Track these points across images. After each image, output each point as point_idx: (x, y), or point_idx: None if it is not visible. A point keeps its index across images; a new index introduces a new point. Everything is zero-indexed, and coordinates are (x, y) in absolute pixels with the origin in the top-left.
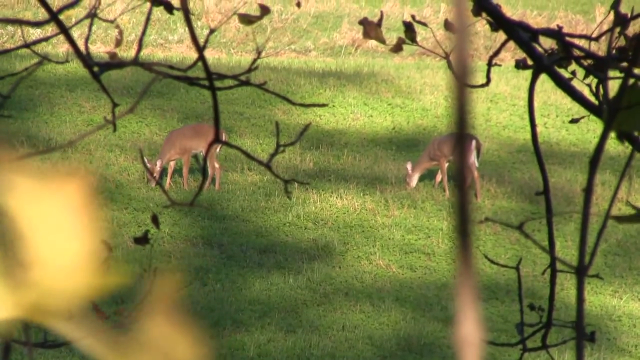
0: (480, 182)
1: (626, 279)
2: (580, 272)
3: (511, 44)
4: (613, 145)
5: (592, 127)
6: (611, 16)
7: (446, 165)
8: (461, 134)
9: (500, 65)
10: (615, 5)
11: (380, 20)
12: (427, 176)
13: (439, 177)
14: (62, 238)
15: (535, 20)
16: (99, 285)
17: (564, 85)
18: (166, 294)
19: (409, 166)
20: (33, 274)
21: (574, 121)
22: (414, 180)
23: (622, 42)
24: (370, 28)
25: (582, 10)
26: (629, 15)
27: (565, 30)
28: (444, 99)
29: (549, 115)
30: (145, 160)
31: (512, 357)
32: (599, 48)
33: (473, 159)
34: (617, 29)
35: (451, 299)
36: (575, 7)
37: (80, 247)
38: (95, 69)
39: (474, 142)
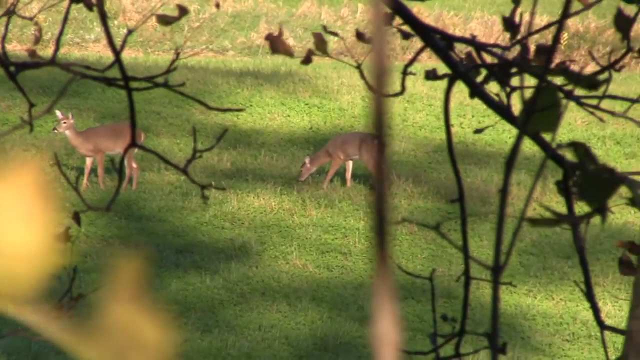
0: (396, 182)
1: (540, 278)
2: (496, 272)
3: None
4: (528, 145)
5: (508, 127)
6: (525, 19)
7: (340, 163)
8: (380, 137)
9: (415, 74)
10: (513, 14)
11: (281, 32)
12: (344, 176)
13: (349, 175)
14: (16, 225)
15: (452, 20)
16: (52, 270)
17: (479, 92)
18: (129, 280)
19: (307, 160)
20: None
21: (478, 131)
22: (307, 175)
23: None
24: (278, 43)
25: (498, 11)
26: (544, 22)
27: (482, 31)
28: (361, 99)
29: (464, 116)
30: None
31: None
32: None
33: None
34: (530, 37)
35: (367, 299)
36: (492, 8)
37: (34, 233)
38: (12, 68)
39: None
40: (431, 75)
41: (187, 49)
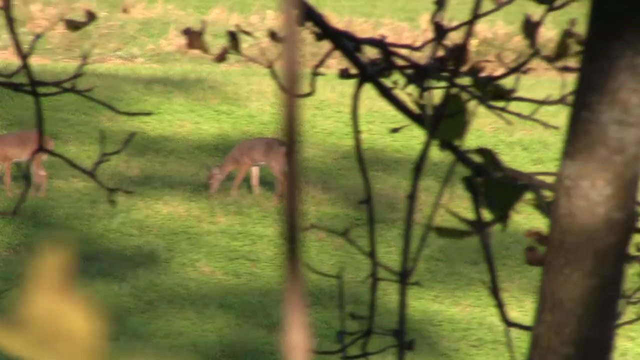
0: (305, 188)
1: (448, 284)
2: (403, 278)
3: (337, 52)
4: (436, 151)
5: (416, 133)
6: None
7: (247, 169)
8: (291, 142)
9: (325, 75)
10: (435, 16)
11: (203, 29)
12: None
13: (255, 181)
14: None
15: (361, 27)
16: None
17: (388, 95)
18: (55, 271)
19: (216, 170)
20: None
21: (395, 130)
22: (217, 185)
23: (442, 52)
24: (194, 38)
25: (407, 18)
26: (453, 25)
27: (391, 37)
28: (270, 106)
29: (373, 122)
30: None
31: None
32: (423, 56)
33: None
34: (439, 39)
35: (275, 305)
36: (401, 15)
37: None
38: None
39: (283, 148)
40: (345, 74)
41: (96, 55)
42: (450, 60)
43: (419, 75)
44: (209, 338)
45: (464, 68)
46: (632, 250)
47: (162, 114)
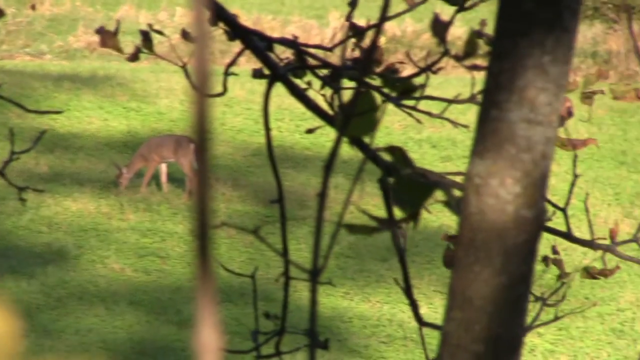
0: (215, 185)
1: (357, 280)
2: (314, 276)
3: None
4: (346, 149)
5: (326, 131)
6: (346, 24)
7: (155, 166)
8: (201, 140)
9: (237, 75)
10: (349, 16)
11: (117, 29)
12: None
13: (164, 178)
14: None
15: (270, 24)
16: None
17: (299, 94)
18: None
19: (124, 169)
20: None
21: (309, 131)
22: (127, 183)
23: (357, 53)
24: (107, 37)
25: (316, 15)
26: (365, 25)
27: (300, 34)
28: (179, 103)
29: (283, 119)
30: None
31: None
32: (334, 54)
33: (194, 162)
34: (352, 40)
35: (185, 302)
36: (310, 12)
37: None
38: None
39: (192, 146)
40: (258, 74)
41: (4, 52)
42: (364, 61)
43: (333, 75)
44: (119, 335)
45: (379, 69)
46: (548, 253)
47: (71, 111)
